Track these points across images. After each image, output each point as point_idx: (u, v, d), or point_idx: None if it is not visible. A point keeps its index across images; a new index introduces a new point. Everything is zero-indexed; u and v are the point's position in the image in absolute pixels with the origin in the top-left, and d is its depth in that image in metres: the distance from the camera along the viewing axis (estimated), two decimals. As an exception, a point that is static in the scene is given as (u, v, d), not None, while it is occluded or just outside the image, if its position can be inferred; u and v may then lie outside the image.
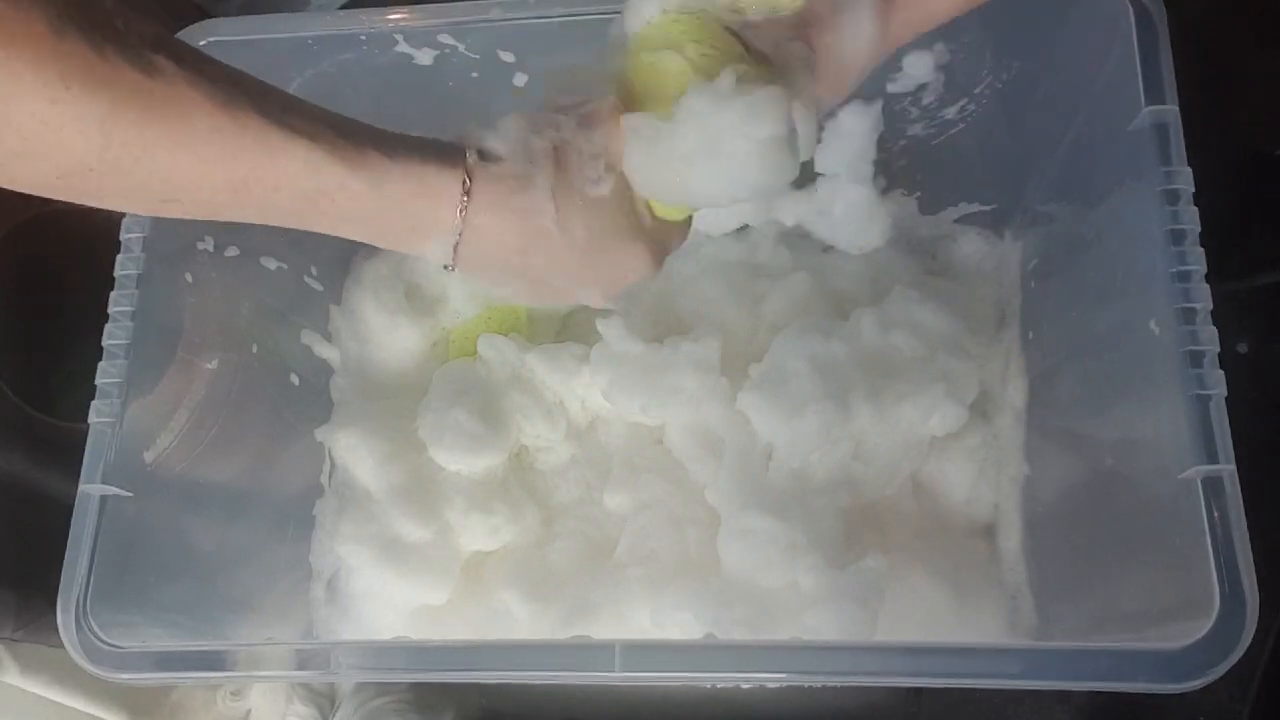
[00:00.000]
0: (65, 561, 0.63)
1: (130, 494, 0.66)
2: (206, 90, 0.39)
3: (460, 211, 0.46)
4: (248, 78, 0.42)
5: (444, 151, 0.46)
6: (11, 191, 0.39)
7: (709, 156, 0.47)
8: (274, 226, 0.60)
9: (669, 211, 0.53)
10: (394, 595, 0.85)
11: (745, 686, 0.88)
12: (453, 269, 0.49)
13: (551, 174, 0.47)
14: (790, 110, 0.48)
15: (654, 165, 0.49)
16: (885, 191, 0.88)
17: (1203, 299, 0.56)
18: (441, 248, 0.47)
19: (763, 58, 0.50)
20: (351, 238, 0.47)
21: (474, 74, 0.76)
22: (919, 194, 0.89)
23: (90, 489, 0.64)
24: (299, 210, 0.44)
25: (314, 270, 0.92)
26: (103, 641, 0.61)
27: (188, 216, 0.43)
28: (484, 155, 0.47)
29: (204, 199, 0.42)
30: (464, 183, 0.45)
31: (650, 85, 0.50)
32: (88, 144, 0.37)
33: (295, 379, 0.89)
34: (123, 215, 0.69)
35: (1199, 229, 0.58)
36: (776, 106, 0.47)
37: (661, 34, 0.51)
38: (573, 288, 0.52)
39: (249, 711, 1.02)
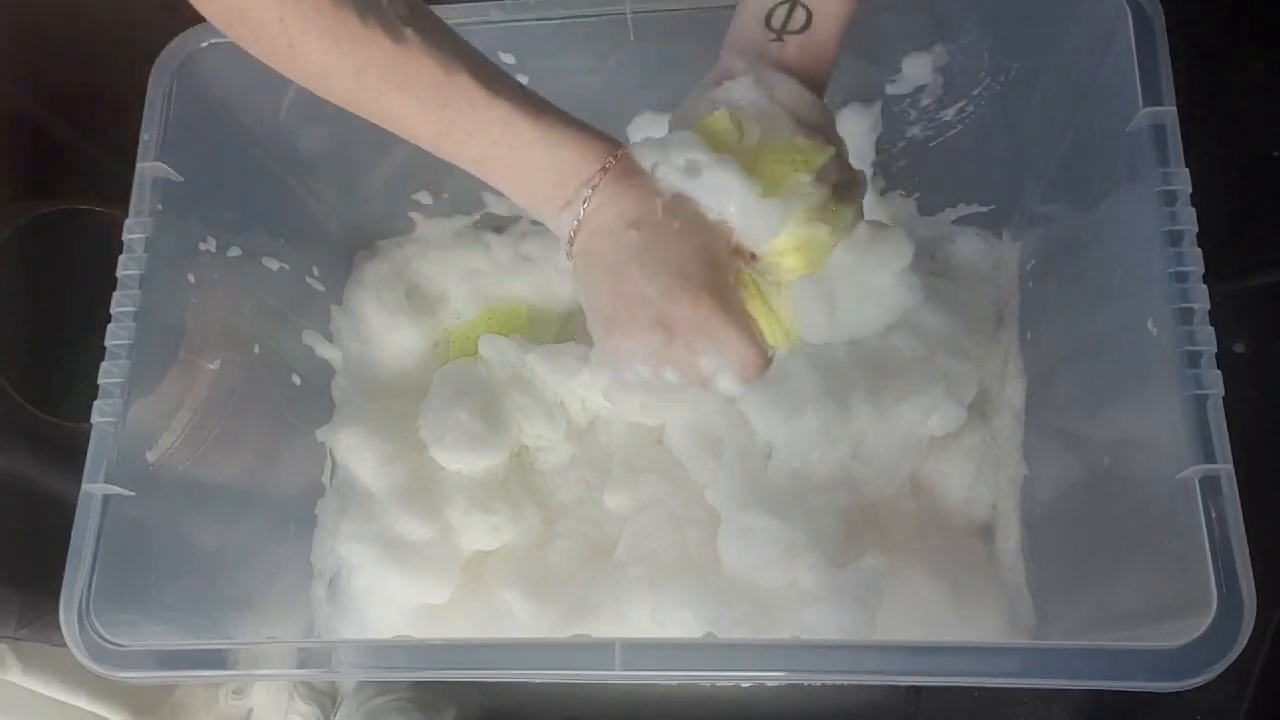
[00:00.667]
0: (68, 560, 0.63)
1: (133, 493, 0.66)
2: (435, 55, 0.51)
3: (592, 183, 0.54)
4: (472, 51, 0.53)
5: (604, 137, 0.55)
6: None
7: (858, 298, 0.55)
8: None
9: (784, 339, 0.57)
10: (395, 594, 0.85)
11: (745, 685, 0.89)
12: (571, 245, 0.56)
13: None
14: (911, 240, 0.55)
15: (818, 320, 0.56)
16: (884, 192, 0.88)
17: (1200, 299, 0.57)
18: (570, 215, 0.55)
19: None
20: (508, 193, 0.56)
21: (475, 75, 0.77)
22: (918, 195, 0.89)
23: (93, 488, 0.64)
24: (481, 156, 0.54)
25: (316, 271, 0.92)
26: (105, 640, 0.61)
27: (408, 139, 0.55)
28: (626, 155, 0.55)
29: (418, 134, 0.54)
30: (610, 160, 0.54)
31: (803, 254, 0.55)
32: (345, 84, 0.51)
33: (297, 379, 0.89)
34: (125, 216, 0.70)
35: (1196, 229, 0.58)
36: (902, 241, 0.54)
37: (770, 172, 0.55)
38: (641, 316, 0.55)
39: (251, 710, 1.02)
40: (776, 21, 0.57)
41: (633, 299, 0.54)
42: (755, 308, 0.56)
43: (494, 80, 0.53)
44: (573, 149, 0.54)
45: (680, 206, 0.54)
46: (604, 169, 0.54)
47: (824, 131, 0.57)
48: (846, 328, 0.58)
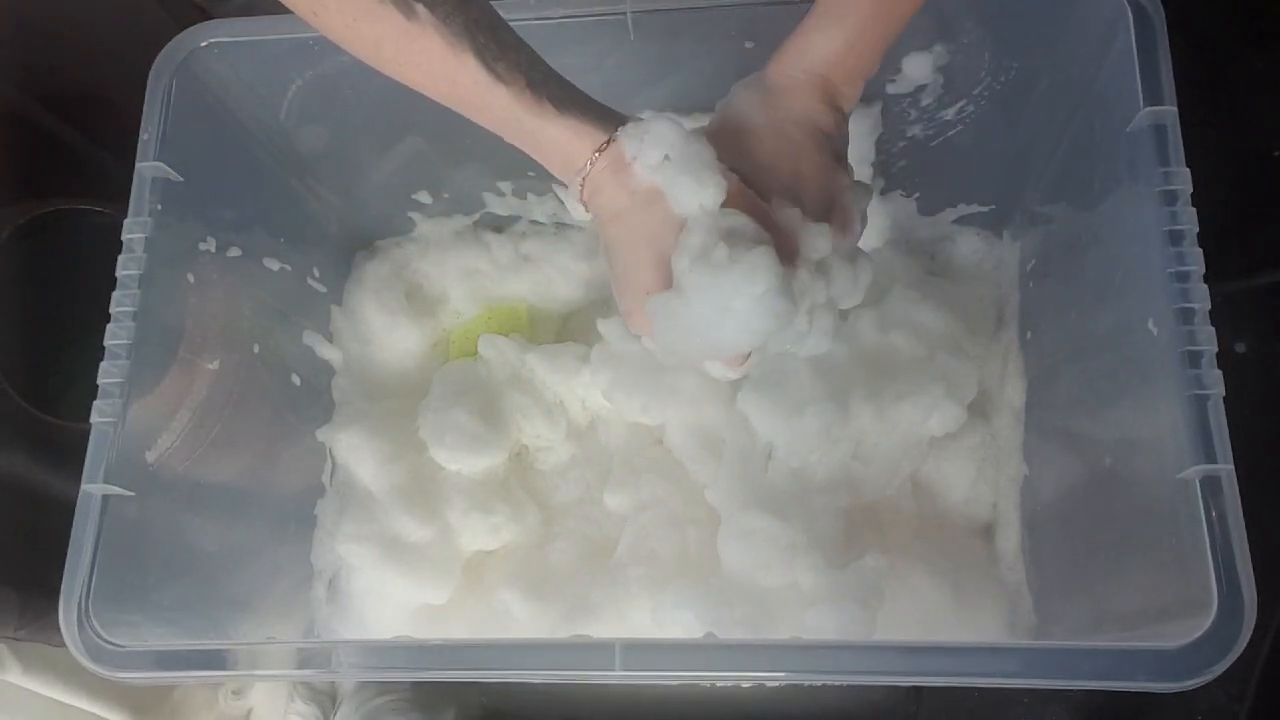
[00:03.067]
0: (67, 561, 0.63)
1: (132, 494, 0.66)
2: (443, 33, 0.53)
3: (590, 161, 0.57)
4: (482, 25, 0.54)
5: (603, 115, 0.57)
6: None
7: (715, 321, 0.55)
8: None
9: None
10: (395, 594, 0.85)
11: (745, 686, 0.89)
12: (585, 209, 0.60)
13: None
14: (778, 263, 0.54)
15: (676, 335, 0.57)
16: (884, 192, 0.88)
17: (1201, 299, 0.57)
18: (576, 185, 0.58)
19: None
20: (532, 156, 0.59)
21: (474, 75, 0.77)
22: (918, 195, 0.89)
23: (92, 488, 0.64)
24: (496, 126, 0.58)
25: (316, 272, 0.92)
26: (105, 640, 0.61)
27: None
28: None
29: (440, 101, 0.57)
30: (605, 143, 0.56)
31: None
32: (366, 53, 0.56)
33: (296, 379, 0.89)
34: (124, 216, 0.70)
35: (1197, 229, 0.58)
36: (761, 266, 0.53)
37: None
38: (632, 294, 0.60)
39: (250, 710, 1.02)
40: None
41: (624, 277, 0.60)
42: None
43: (500, 60, 0.55)
44: (567, 138, 0.56)
45: (657, 201, 0.57)
46: (590, 162, 0.57)
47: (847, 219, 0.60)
48: (713, 348, 0.59)
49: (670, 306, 0.56)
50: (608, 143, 0.56)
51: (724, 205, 0.56)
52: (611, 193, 0.57)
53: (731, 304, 0.54)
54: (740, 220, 0.56)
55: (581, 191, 0.58)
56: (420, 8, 0.52)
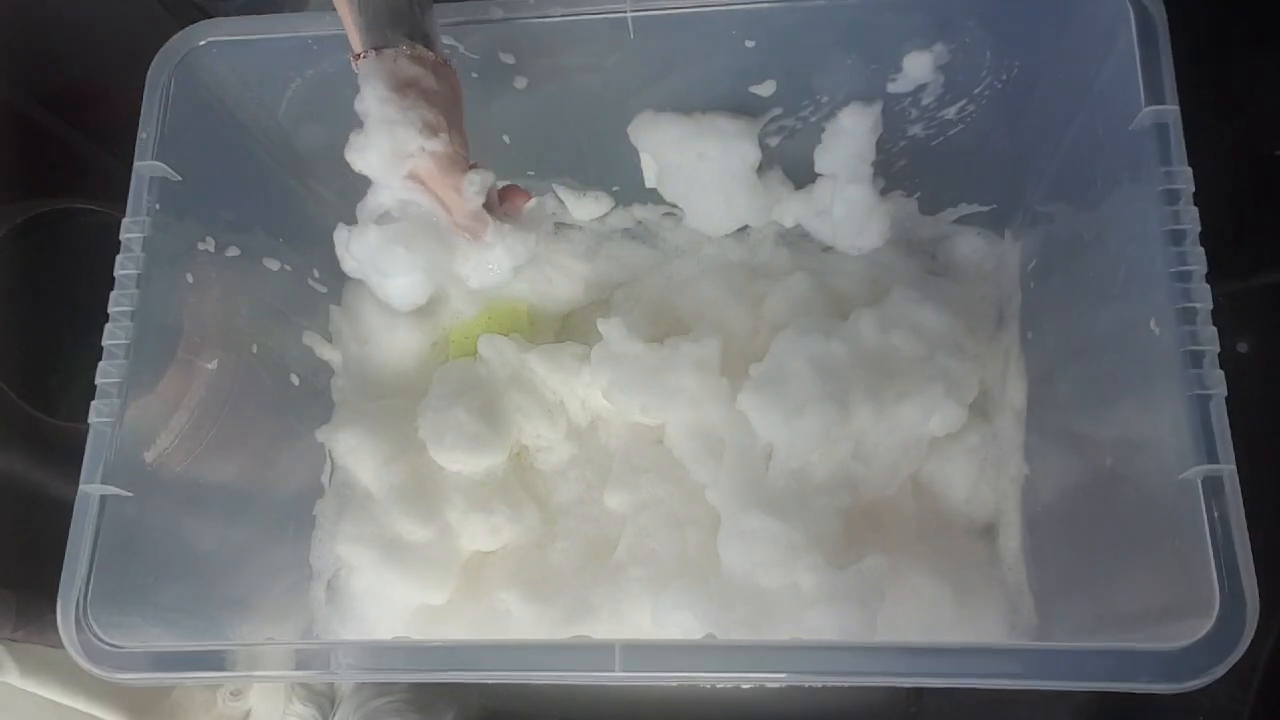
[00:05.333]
0: (65, 561, 0.63)
1: (130, 494, 0.66)
2: None
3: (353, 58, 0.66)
4: None
5: (370, 31, 0.65)
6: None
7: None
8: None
9: None
10: (394, 595, 0.85)
11: (745, 686, 0.88)
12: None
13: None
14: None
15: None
16: (885, 192, 0.88)
17: (1203, 299, 0.56)
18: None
19: None
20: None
21: (474, 74, 0.77)
22: (918, 194, 0.89)
23: (90, 489, 0.64)
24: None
25: (316, 272, 0.92)
26: (103, 642, 0.61)
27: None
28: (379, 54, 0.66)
29: None
30: (356, 57, 0.66)
31: None
32: None
33: (295, 379, 0.89)
34: (123, 215, 0.69)
35: (1199, 229, 0.58)
36: None
37: None
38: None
39: (249, 711, 1.02)
40: None
41: None
42: None
43: None
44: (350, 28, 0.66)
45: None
46: (358, 56, 0.66)
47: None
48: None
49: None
50: (361, 56, 0.65)
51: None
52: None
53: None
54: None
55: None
56: None
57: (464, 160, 0.68)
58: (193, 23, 0.74)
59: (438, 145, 0.65)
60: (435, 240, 0.70)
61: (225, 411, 0.78)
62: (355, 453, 0.88)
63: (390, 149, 0.65)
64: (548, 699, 0.93)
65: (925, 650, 0.54)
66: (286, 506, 0.88)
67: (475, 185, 0.68)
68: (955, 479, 0.82)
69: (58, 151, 0.89)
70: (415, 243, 0.70)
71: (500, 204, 0.73)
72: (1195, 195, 0.58)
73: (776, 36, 0.73)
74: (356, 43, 0.66)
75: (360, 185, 0.92)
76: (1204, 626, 0.51)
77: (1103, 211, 0.68)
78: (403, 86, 0.65)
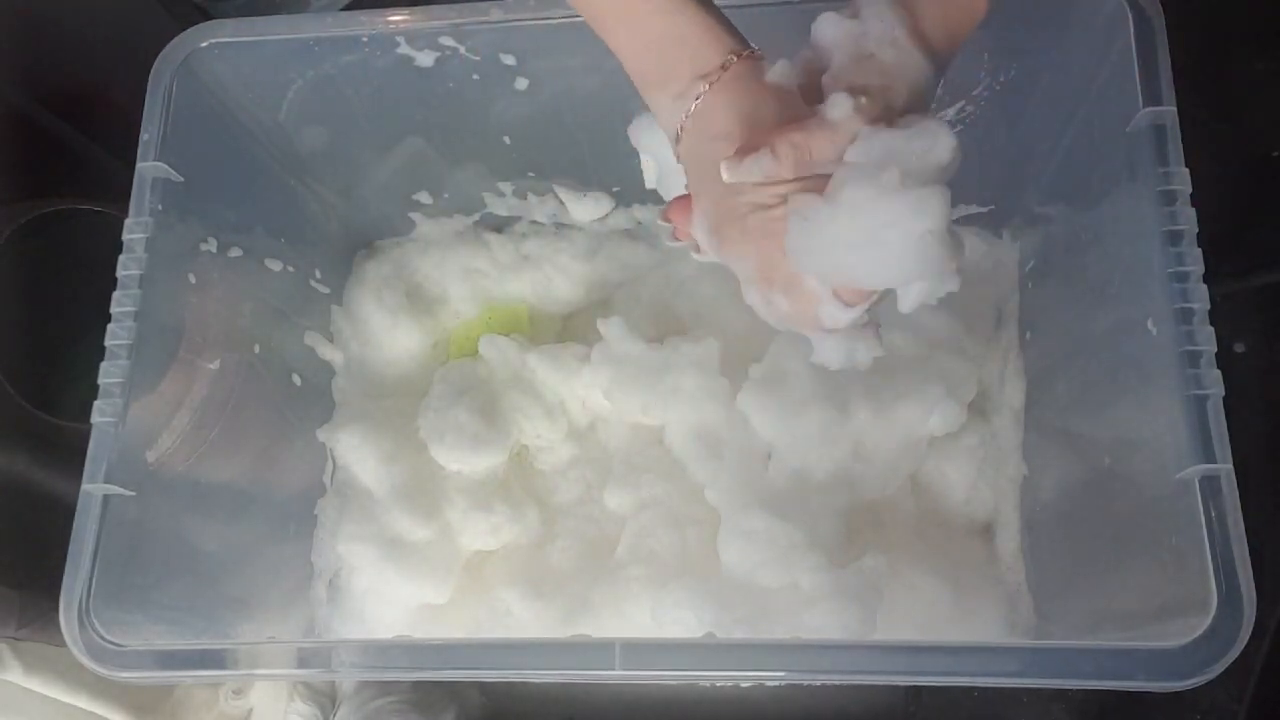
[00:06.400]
0: (68, 560, 0.63)
1: (133, 493, 0.66)
2: None
3: (710, 79, 0.49)
4: None
5: (735, 32, 0.51)
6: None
7: (867, 245, 0.48)
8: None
9: None
10: (395, 594, 0.85)
11: (745, 685, 0.89)
12: (679, 143, 0.52)
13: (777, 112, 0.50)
14: (949, 207, 0.48)
15: (813, 246, 0.49)
16: (884, 192, 0.88)
17: (1200, 299, 0.57)
18: (680, 108, 0.51)
19: None
20: (624, 66, 0.53)
21: (475, 76, 0.77)
22: (918, 194, 0.89)
23: (93, 488, 0.64)
24: (601, 12, 0.51)
25: (317, 272, 0.92)
26: (105, 640, 0.61)
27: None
28: (754, 58, 0.51)
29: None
30: (732, 56, 0.49)
31: None
32: None
33: (297, 379, 0.89)
34: (125, 216, 0.70)
35: (1196, 229, 0.58)
36: (939, 203, 0.47)
37: None
38: (744, 234, 0.52)
39: (250, 710, 1.02)
40: None
41: (734, 215, 0.51)
42: None
43: None
44: (695, 32, 0.50)
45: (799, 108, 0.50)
46: (724, 65, 0.49)
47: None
48: (853, 275, 0.51)
49: (815, 213, 0.49)
50: (743, 54, 0.50)
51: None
52: (744, 93, 0.50)
53: (885, 233, 0.48)
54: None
55: (696, 103, 0.50)
56: None
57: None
58: (194, 24, 0.74)
59: None
60: None
61: (227, 411, 0.79)
62: (356, 452, 0.88)
63: None
64: (548, 698, 0.93)
65: (924, 649, 0.55)
66: (288, 506, 0.88)
67: None
68: (954, 478, 0.82)
69: (60, 153, 0.89)
70: None
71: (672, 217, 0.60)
72: (1193, 196, 0.59)
73: (776, 37, 0.73)
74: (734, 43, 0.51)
75: (359, 186, 0.92)
76: (1201, 625, 0.51)
77: (1100, 212, 0.69)
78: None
